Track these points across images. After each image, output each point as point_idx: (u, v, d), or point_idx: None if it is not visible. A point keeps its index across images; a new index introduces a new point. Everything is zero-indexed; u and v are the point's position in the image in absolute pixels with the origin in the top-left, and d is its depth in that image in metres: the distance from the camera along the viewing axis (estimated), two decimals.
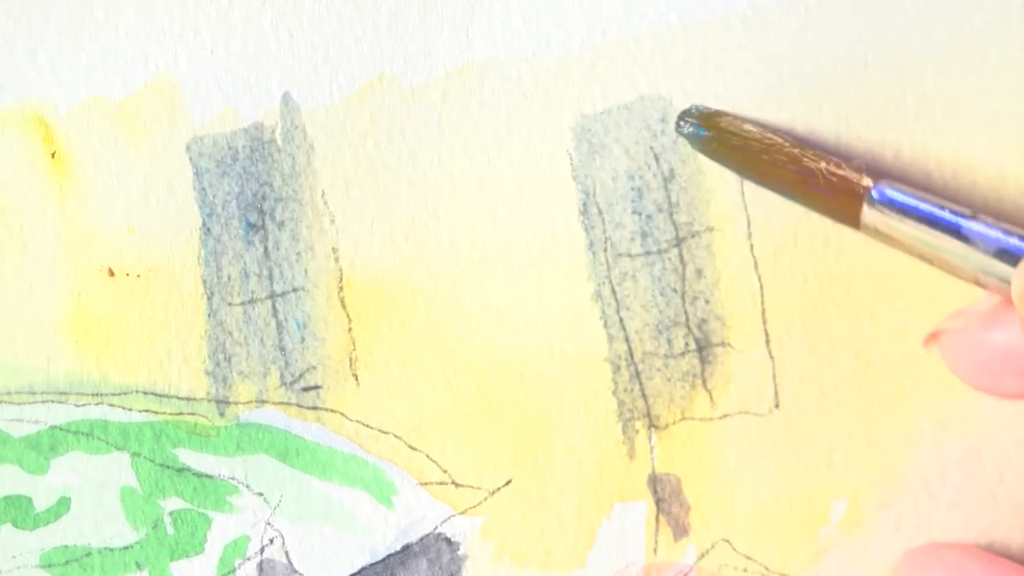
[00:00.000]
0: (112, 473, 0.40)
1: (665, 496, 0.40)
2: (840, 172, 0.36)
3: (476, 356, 0.40)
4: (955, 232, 0.34)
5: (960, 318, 0.36)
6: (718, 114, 0.39)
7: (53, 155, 0.39)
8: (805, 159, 0.37)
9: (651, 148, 0.39)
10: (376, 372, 0.40)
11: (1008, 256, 0.33)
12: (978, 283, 0.35)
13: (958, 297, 0.38)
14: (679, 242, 0.40)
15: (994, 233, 0.34)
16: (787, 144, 0.37)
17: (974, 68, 0.38)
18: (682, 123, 0.39)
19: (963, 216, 0.35)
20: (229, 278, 0.40)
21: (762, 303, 0.40)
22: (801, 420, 0.40)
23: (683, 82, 0.39)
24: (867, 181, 0.36)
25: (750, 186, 0.39)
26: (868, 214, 0.36)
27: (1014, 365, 0.34)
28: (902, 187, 0.36)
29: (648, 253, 0.40)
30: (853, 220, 0.36)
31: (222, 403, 0.40)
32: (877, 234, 0.36)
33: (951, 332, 0.36)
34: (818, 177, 0.36)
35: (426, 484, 0.40)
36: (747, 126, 0.38)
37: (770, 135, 0.37)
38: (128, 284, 0.40)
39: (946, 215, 0.35)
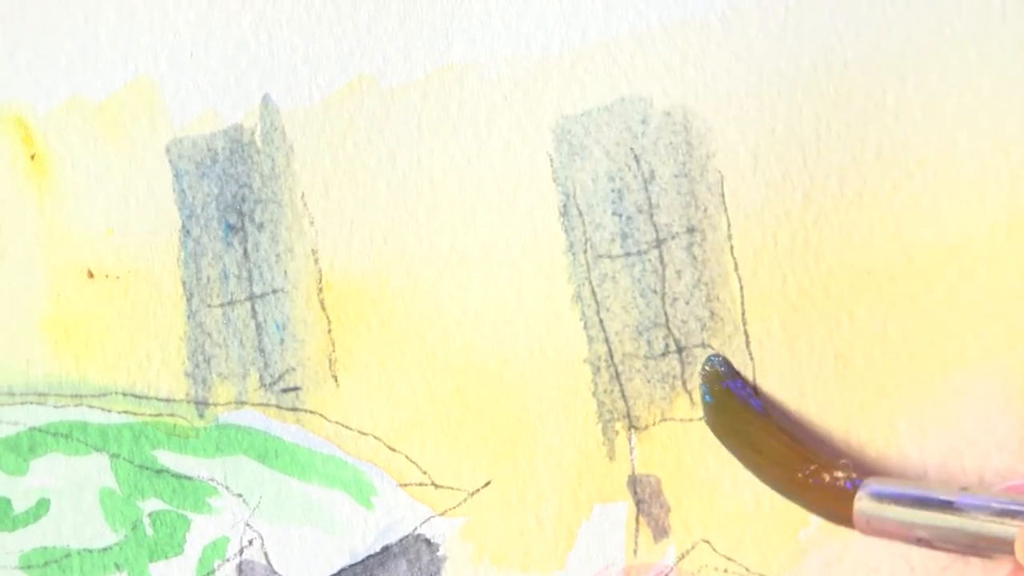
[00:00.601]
0: (91, 474, 0.40)
1: (645, 497, 0.40)
2: (827, 478, 0.36)
3: (456, 357, 0.40)
4: (948, 507, 0.34)
5: None
6: (725, 376, 0.39)
7: (32, 156, 0.39)
8: (793, 466, 0.37)
9: (631, 149, 0.39)
10: (356, 373, 0.40)
11: (1007, 523, 0.34)
12: (980, 555, 0.35)
13: (937, 300, 0.38)
14: (659, 243, 0.39)
15: (986, 504, 0.34)
16: (779, 444, 0.38)
17: (954, 68, 0.38)
18: (706, 369, 0.39)
19: (952, 493, 0.35)
20: (208, 280, 0.39)
21: (742, 304, 0.39)
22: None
23: (663, 83, 0.39)
24: (852, 481, 0.36)
25: (730, 188, 0.39)
26: (860, 511, 0.35)
27: None
28: (888, 480, 0.36)
29: (628, 254, 0.39)
30: (845, 519, 0.36)
31: (201, 404, 0.40)
32: (871, 529, 0.36)
33: None
34: (806, 484, 0.37)
35: (406, 485, 0.40)
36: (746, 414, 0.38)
37: (765, 428, 0.38)
38: (107, 286, 0.39)
39: (936, 494, 0.35)
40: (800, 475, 0.37)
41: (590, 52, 0.39)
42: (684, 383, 0.40)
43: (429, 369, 0.40)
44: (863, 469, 0.38)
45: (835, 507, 0.36)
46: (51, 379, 0.40)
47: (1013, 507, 0.34)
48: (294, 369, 0.40)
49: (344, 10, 0.39)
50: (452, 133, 0.39)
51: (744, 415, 0.38)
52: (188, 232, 0.39)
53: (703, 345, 0.40)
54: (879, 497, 0.35)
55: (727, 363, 0.39)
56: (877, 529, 0.36)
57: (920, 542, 0.35)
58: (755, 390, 0.39)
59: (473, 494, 0.40)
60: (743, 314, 0.39)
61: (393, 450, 0.40)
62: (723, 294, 0.39)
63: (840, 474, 0.36)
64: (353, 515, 0.40)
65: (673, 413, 0.40)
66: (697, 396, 0.40)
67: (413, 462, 0.40)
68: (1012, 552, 0.33)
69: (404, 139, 0.39)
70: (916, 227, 0.39)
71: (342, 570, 0.40)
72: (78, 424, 0.40)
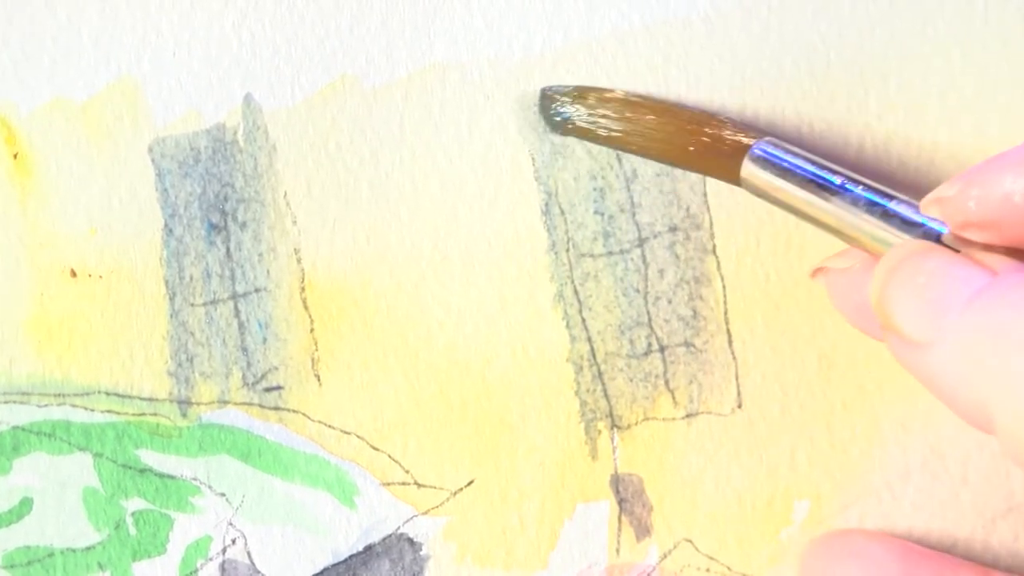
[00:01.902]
0: (74, 474, 0.39)
1: (627, 496, 0.40)
2: (717, 141, 0.36)
3: (438, 357, 0.39)
4: (828, 197, 0.34)
5: (846, 257, 0.36)
6: (583, 91, 0.38)
7: (15, 156, 0.39)
8: (681, 136, 0.37)
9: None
10: (338, 373, 0.39)
11: (881, 218, 0.33)
12: (856, 246, 0.34)
13: None
14: (641, 242, 0.39)
15: (865, 195, 0.33)
16: (661, 121, 0.37)
17: (937, 68, 0.38)
18: (548, 106, 0.38)
19: (839, 175, 0.34)
20: (191, 279, 0.39)
21: (724, 304, 0.39)
22: (763, 421, 0.39)
23: (645, 83, 0.39)
24: (748, 139, 0.36)
25: (712, 187, 0.39)
26: (748, 170, 0.35)
27: None
28: (784, 144, 0.35)
29: (610, 253, 0.39)
30: (733, 177, 0.36)
31: (184, 404, 0.39)
32: (757, 191, 0.35)
33: (837, 271, 0.36)
34: (696, 152, 0.36)
35: (388, 484, 0.40)
36: (605, 108, 0.38)
37: (641, 111, 0.37)
38: (90, 285, 0.39)
39: (823, 174, 0.34)
40: (691, 148, 0.36)
41: (572, 52, 0.39)
42: (667, 382, 0.39)
43: (412, 368, 0.39)
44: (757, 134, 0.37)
45: (724, 171, 0.36)
46: (34, 378, 0.39)
47: (893, 213, 0.33)
48: (277, 368, 0.39)
49: (327, 11, 0.39)
50: (434, 133, 0.39)
51: (608, 109, 0.38)
52: (171, 231, 0.39)
53: (686, 344, 0.39)
54: (764, 164, 0.35)
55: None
56: (764, 197, 0.35)
57: (806, 220, 0.35)
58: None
59: (456, 493, 0.40)
60: (726, 313, 0.39)
61: (376, 449, 0.39)
62: (706, 293, 0.39)
63: (727, 141, 0.36)
64: (336, 514, 0.40)
65: (656, 412, 0.39)
66: (680, 395, 0.39)
67: (396, 461, 0.40)
68: (877, 256, 0.33)
69: (386, 139, 0.39)
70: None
71: (325, 569, 0.40)
72: (61, 423, 0.39)
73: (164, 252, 0.39)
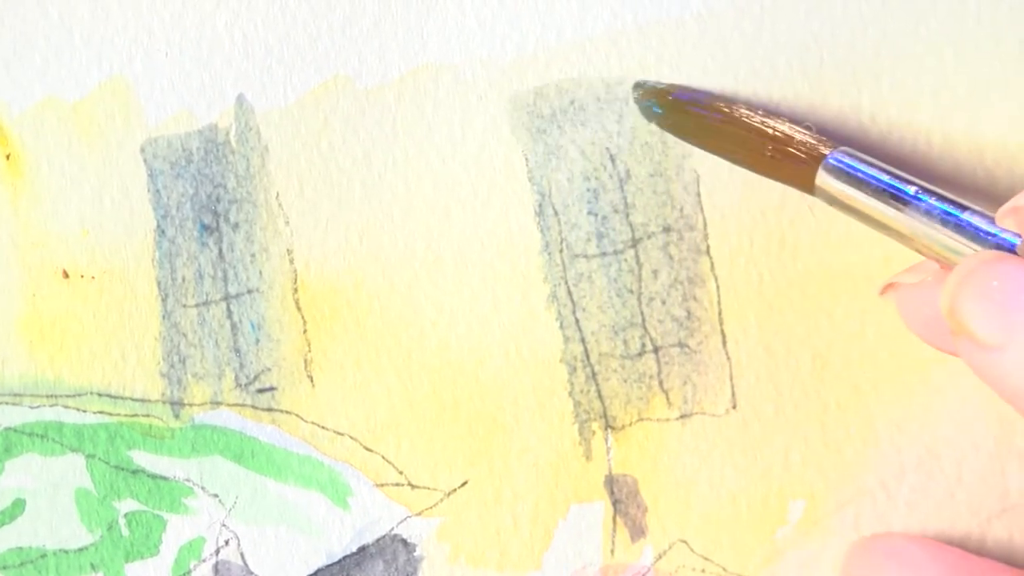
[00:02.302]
0: (67, 475, 0.39)
1: (622, 497, 0.40)
2: (798, 137, 0.35)
3: (431, 357, 0.39)
4: (901, 207, 0.33)
5: (916, 272, 0.35)
6: (671, 89, 0.38)
7: (7, 157, 0.39)
8: (762, 128, 0.36)
9: (607, 149, 0.39)
10: (331, 374, 0.39)
11: (954, 229, 0.32)
12: (927, 255, 0.33)
13: None
14: (635, 243, 0.39)
15: (937, 211, 0.33)
16: (743, 115, 0.36)
17: (930, 67, 0.38)
18: (638, 96, 0.38)
19: (908, 193, 0.33)
20: (183, 280, 0.39)
21: (719, 304, 0.39)
22: (758, 421, 0.39)
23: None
24: (824, 149, 0.35)
25: (706, 187, 0.39)
26: (822, 179, 0.35)
27: None
28: (858, 154, 0.35)
29: (604, 254, 0.39)
30: (808, 185, 0.35)
31: (177, 405, 0.39)
32: (831, 200, 0.35)
33: (907, 287, 0.35)
34: (775, 144, 0.36)
35: (382, 485, 0.39)
36: (696, 106, 0.37)
37: (725, 106, 0.37)
38: (82, 286, 0.39)
39: (897, 184, 0.34)
40: (767, 151, 0.36)
41: (565, 52, 0.38)
42: (661, 383, 0.39)
43: (405, 369, 0.39)
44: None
45: (798, 181, 0.35)
46: (26, 379, 0.39)
47: (966, 226, 0.32)
48: (269, 369, 0.39)
49: (319, 11, 0.38)
50: (427, 133, 0.39)
51: (700, 111, 0.37)
52: (163, 232, 0.39)
53: (680, 345, 0.39)
54: (838, 174, 0.34)
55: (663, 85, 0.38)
56: (840, 207, 0.35)
57: (879, 230, 0.34)
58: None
59: (449, 494, 0.39)
60: (720, 313, 0.39)
61: (369, 450, 0.39)
62: (700, 293, 0.39)
63: (806, 146, 0.35)
64: (329, 515, 0.39)
65: (650, 413, 0.39)
66: (674, 396, 0.39)
67: (389, 462, 0.39)
68: (948, 267, 0.32)
69: (379, 139, 0.39)
70: None
71: (318, 570, 0.40)
72: (53, 424, 0.39)
73: (156, 253, 0.39)
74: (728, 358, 0.39)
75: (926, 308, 0.35)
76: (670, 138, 0.38)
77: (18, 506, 0.39)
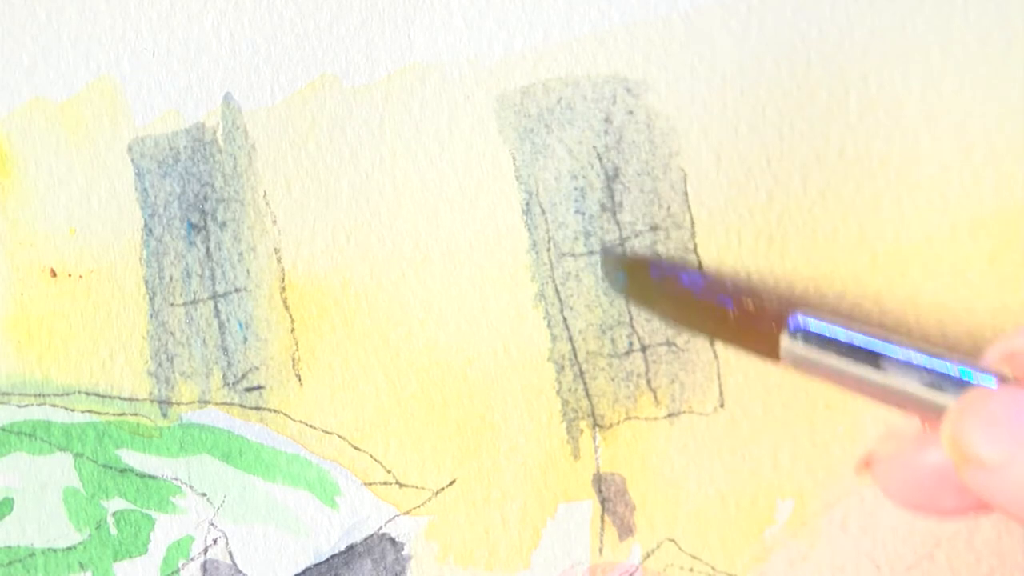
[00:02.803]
0: (55, 474, 0.39)
1: (610, 496, 0.39)
2: (755, 306, 0.35)
3: (419, 356, 0.39)
4: (875, 362, 0.32)
5: (890, 441, 0.35)
6: (636, 263, 0.38)
7: None
8: (721, 306, 0.35)
9: (594, 148, 0.39)
10: (319, 372, 0.39)
11: (931, 383, 0.31)
12: (902, 408, 0.33)
13: (900, 299, 0.38)
14: (623, 242, 0.39)
15: (917, 359, 0.32)
16: (702, 292, 0.36)
17: (916, 68, 0.38)
18: (606, 264, 0.38)
19: (884, 342, 0.32)
20: (171, 279, 0.39)
21: None
22: (746, 420, 0.39)
23: (625, 82, 0.38)
24: (787, 310, 0.34)
25: (693, 186, 0.39)
26: (787, 344, 0.33)
27: (952, 483, 0.33)
28: (820, 315, 0.33)
29: (591, 253, 0.39)
30: (773, 353, 0.34)
31: (165, 404, 0.39)
32: (797, 365, 0.34)
33: (885, 459, 0.34)
34: (735, 322, 0.35)
35: (370, 484, 0.39)
36: (658, 283, 0.37)
37: (682, 283, 0.36)
38: (70, 285, 0.39)
39: (866, 342, 0.32)
40: (731, 317, 0.35)
41: (552, 52, 0.38)
42: (648, 382, 0.39)
43: (393, 368, 0.39)
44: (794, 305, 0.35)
45: (762, 347, 0.34)
46: (14, 379, 0.39)
47: (943, 374, 0.31)
48: (257, 368, 0.39)
49: (306, 10, 0.38)
50: (415, 133, 0.39)
51: (664, 281, 0.37)
52: (150, 231, 0.39)
53: (668, 343, 0.39)
54: (805, 338, 0.33)
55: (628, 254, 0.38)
56: (805, 370, 0.33)
57: (850, 389, 0.33)
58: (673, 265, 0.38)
59: (438, 493, 0.39)
60: None
61: (357, 449, 0.39)
62: None
63: (768, 310, 0.34)
64: (318, 514, 0.39)
65: (638, 412, 0.39)
66: (662, 395, 0.39)
67: (377, 461, 0.39)
68: (937, 417, 0.31)
69: (366, 139, 0.39)
70: (879, 226, 0.38)
71: (307, 569, 0.40)
72: (41, 423, 0.39)
73: (144, 252, 0.39)
74: (716, 357, 0.39)
75: (906, 472, 0.34)
76: (658, 137, 0.38)
77: (6, 505, 0.39)
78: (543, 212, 0.39)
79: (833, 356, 0.32)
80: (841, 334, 0.32)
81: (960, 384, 0.31)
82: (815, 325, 0.33)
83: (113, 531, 0.39)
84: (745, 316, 0.34)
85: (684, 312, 0.36)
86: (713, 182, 0.38)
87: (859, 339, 0.32)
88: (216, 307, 0.39)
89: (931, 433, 0.32)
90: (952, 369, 0.31)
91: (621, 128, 0.38)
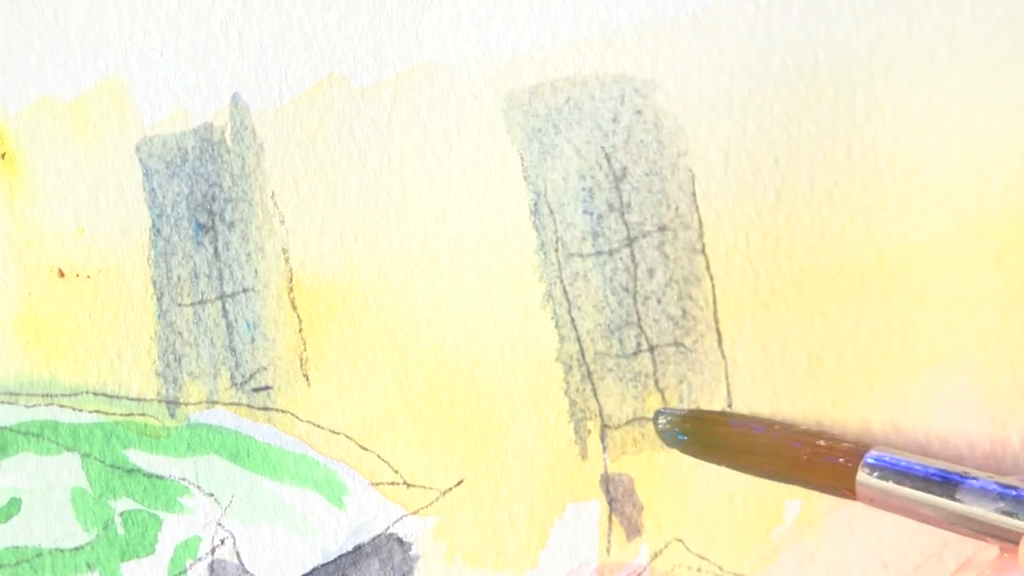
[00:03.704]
0: (62, 474, 0.39)
1: (618, 496, 0.39)
2: (831, 448, 0.36)
3: (427, 356, 0.39)
4: (952, 492, 0.33)
5: (970, 570, 0.35)
6: (695, 416, 0.38)
7: (3, 156, 0.39)
8: (792, 447, 0.36)
9: (602, 148, 0.39)
10: (327, 372, 0.39)
11: (1007, 510, 0.33)
12: (978, 537, 0.34)
13: (908, 298, 0.38)
14: (631, 242, 0.39)
15: (992, 488, 0.33)
16: (771, 435, 0.37)
17: (923, 68, 0.38)
18: (660, 423, 0.39)
19: (958, 476, 0.34)
20: (179, 279, 0.39)
21: (714, 303, 0.39)
22: None
23: (634, 82, 0.38)
24: (861, 447, 0.35)
25: (701, 186, 0.38)
26: (863, 480, 0.35)
27: None
28: (894, 452, 0.35)
29: (599, 253, 0.39)
30: (848, 486, 0.35)
31: (172, 404, 0.39)
32: (873, 500, 0.35)
33: None
34: (808, 460, 0.36)
35: (377, 484, 0.39)
36: (724, 428, 0.38)
37: (751, 430, 0.37)
38: (78, 285, 0.39)
39: (940, 476, 0.34)
40: (804, 456, 0.36)
41: (560, 51, 0.38)
42: (656, 382, 0.39)
43: (400, 368, 0.39)
44: (862, 441, 0.37)
45: (837, 483, 0.35)
46: (22, 379, 0.39)
47: (1017, 498, 0.33)
48: (265, 368, 0.39)
49: (314, 10, 0.38)
50: (422, 132, 0.39)
51: (724, 431, 0.38)
52: (158, 231, 0.39)
53: (675, 344, 0.39)
54: (881, 475, 0.34)
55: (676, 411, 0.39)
56: (881, 504, 0.35)
57: (926, 520, 0.34)
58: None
59: (445, 493, 0.39)
60: (715, 313, 0.39)
61: (365, 449, 0.39)
62: (695, 293, 0.39)
63: (841, 448, 0.36)
64: (325, 514, 0.39)
65: (645, 412, 0.39)
66: (669, 395, 0.39)
67: (385, 461, 0.39)
68: (1015, 542, 0.32)
69: (374, 138, 0.39)
70: (886, 226, 0.38)
71: (314, 569, 0.39)
72: (49, 423, 0.39)
73: (152, 252, 0.39)
74: (724, 357, 0.39)
75: None
76: (666, 137, 0.38)
77: (14, 505, 0.39)
78: (551, 212, 0.39)
79: (908, 489, 0.34)
80: (917, 467, 0.34)
81: None
82: (891, 459, 0.35)
83: (120, 531, 0.39)
84: (817, 456, 0.36)
85: (752, 459, 0.37)
86: (721, 182, 0.38)
87: (934, 471, 0.34)
88: (224, 307, 0.39)
89: (1009, 559, 0.33)
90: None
91: (629, 128, 0.38)
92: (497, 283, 0.39)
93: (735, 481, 0.39)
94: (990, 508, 0.33)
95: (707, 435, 0.38)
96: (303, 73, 0.38)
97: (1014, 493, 0.33)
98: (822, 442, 0.36)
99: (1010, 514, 0.32)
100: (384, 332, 0.39)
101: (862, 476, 0.35)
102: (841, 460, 0.35)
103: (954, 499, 0.33)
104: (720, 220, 0.38)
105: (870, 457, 0.35)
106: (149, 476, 0.39)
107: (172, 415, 0.39)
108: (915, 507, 0.34)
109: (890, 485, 0.34)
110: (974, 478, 0.33)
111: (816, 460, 0.36)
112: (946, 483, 0.34)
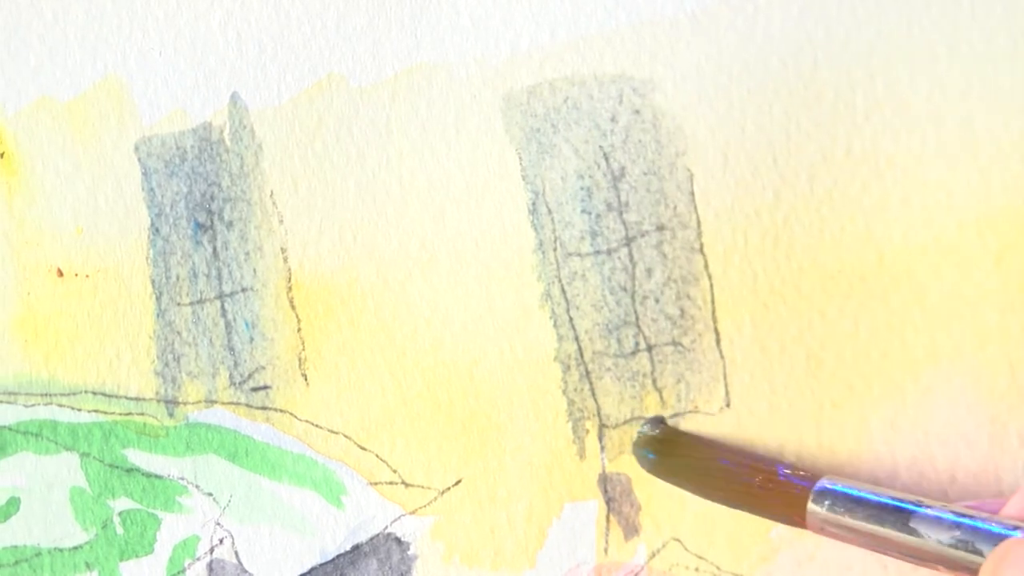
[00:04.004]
0: (61, 473, 0.39)
1: (616, 496, 0.39)
2: (785, 476, 0.36)
3: (425, 356, 0.39)
4: (905, 520, 0.33)
5: None
6: (667, 439, 0.38)
7: (1, 155, 0.39)
8: (743, 476, 0.36)
9: (600, 147, 0.39)
10: (325, 372, 0.39)
11: (962, 539, 0.32)
12: (934, 567, 0.33)
13: (907, 299, 0.38)
14: (629, 241, 0.39)
15: (946, 518, 0.33)
16: (729, 463, 0.37)
17: (923, 68, 0.38)
18: (635, 439, 0.39)
19: (912, 505, 0.33)
20: (178, 278, 0.39)
21: (712, 302, 0.39)
22: (752, 419, 0.39)
23: (632, 82, 0.38)
24: (807, 483, 0.35)
25: (700, 186, 0.38)
26: (813, 511, 0.35)
27: None
28: (845, 480, 0.35)
29: (598, 252, 0.39)
30: (800, 519, 0.35)
31: (171, 403, 0.39)
32: (824, 528, 0.35)
33: None
34: (761, 488, 0.36)
35: (376, 484, 0.39)
36: (687, 452, 0.38)
37: (714, 455, 0.37)
38: (77, 284, 0.39)
39: (893, 505, 0.33)
40: (757, 484, 0.36)
41: (559, 51, 0.38)
42: (654, 381, 0.39)
43: (399, 368, 0.39)
44: (819, 470, 0.37)
45: (789, 512, 0.35)
46: (20, 378, 0.39)
47: (972, 528, 0.32)
48: (264, 368, 0.39)
49: (313, 9, 0.38)
50: (421, 132, 0.38)
51: (688, 452, 0.38)
52: (157, 231, 0.39)
53: (673, 343, 0.39)
54: (832, 504, 0.34)
55: (657, 421, 0.39)
56: (833, 534, 0.34)
57: (878, 550, 0.34)
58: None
59: (443, 493, 0.39)
60: (714, 312, 0.39)
61: (363, 449, 0.39)
62: (693, 292, 0.39)
63: (797, 475, 0.35)
64: (323, 514, 0.39)
65: (643, 411, 0.39)
66: (668, 394, 0.39)
67: (383, 461, 0.39)
68: (974, 573, 0.32)
69: (373, 138, 0.39)
70: (886, 226, 0.38)
71: (312, 569, 0.39)
72: (48, 423, 0.39)
73: (150, 251, 0.39)
74: (722, 356, 0.39)
75: None
76: (664, 136, 0.38)
77: (12, 504, 0.39)
78: (549, 212, 0.39)
79: (859, 520, 0.34)
80: (870, 496, 0.34)
81: (990, 537, 0.32)
82: (843, 488, 0.34)
83: (119, 531, 0.39)
84: (770, 483, 0.36)
85: (710, 483, 0.37)
86: (720, 182, 0.38)
87: (887, 499, 0.34)
88: (223, 307, 0.39)
89: None
90: (980, 524, 0.32)
91: (628, 127, 0.38)
92: (495, 283, 0.39)
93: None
94: (945, 537, 0.32)
95: (670, 458, 0.38)
96: (302, 73, 0.38)
97: (968, 522, 0.32)
98: (781, 469, 0.36)
99: (965, 542, 0.32)
100: (383, 332, 0.39)
101: (812, 506, 0.34)
102: (794, 490, 0.35)
103: (908, 527, 0.33)
104: (719, 220, 0.38)
105: (820, 486, 0.34)
106: (148, 475, 0.39)
107: (171, 414, 0.39)
108: (867, 537, 0.34)
109: (840, 513, 0.34)
110: (928, 507, 0.33)
111: (768, 488, 0.36)
112: (899, 512, 0.33)
